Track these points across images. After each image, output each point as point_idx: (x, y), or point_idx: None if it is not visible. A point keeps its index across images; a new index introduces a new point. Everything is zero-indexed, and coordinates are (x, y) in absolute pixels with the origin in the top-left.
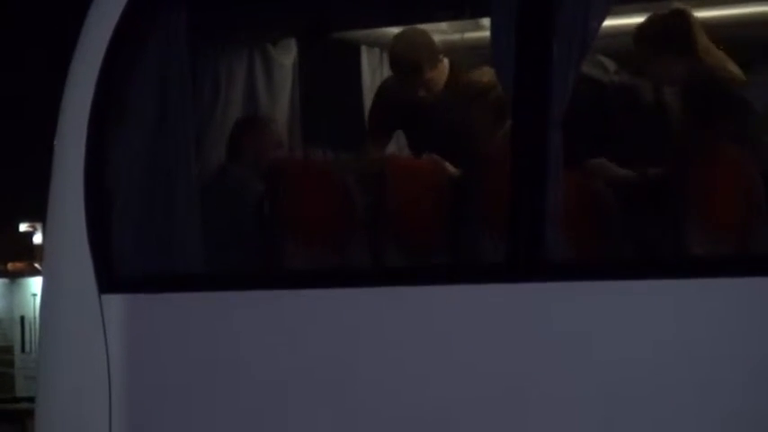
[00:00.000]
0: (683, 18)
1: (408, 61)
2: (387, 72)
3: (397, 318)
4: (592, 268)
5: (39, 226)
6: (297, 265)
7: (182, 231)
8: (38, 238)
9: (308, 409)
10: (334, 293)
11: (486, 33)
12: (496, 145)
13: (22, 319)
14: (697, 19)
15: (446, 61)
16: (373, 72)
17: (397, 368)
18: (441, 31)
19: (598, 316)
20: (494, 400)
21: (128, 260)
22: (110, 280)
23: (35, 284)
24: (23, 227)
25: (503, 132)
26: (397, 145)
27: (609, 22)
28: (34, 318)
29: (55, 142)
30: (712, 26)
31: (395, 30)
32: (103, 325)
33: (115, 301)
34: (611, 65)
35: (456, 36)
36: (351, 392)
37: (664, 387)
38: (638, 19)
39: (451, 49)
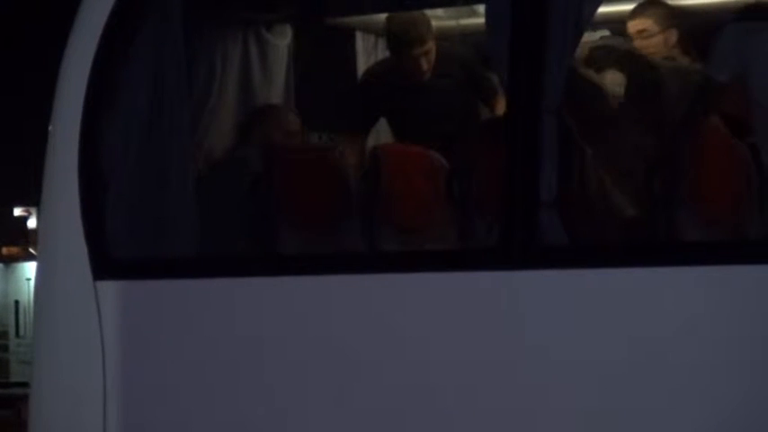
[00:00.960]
0: None
1: (412, 30)
2: (381, 57)
3: (393, 304)
4: (588, 255)
5: (33, 210)
6: (293, 251)
7: (177, 217)
8: (32, 223)
9: (307, 396)
10: (330, 280)
11: (481, 20)
12: (491, 129)
13: (17, 303)
14: None
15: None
16: (368, 57)
17: (393, 354)
18: (436, 18)
19: (594, 303)
20: (488, 388)
21: (122, 246)
22: (104, 266)
23: (30, 269)
24: (18, 211)
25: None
26: (388, 129)
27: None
28: (28, 302)
29: (50, 126)
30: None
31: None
32: (98, 311)
33: (110, 288)
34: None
35: (451, 22)
36: (348, 378)
37: (662, 375)
38: (629, 6)
39: (447, 36)
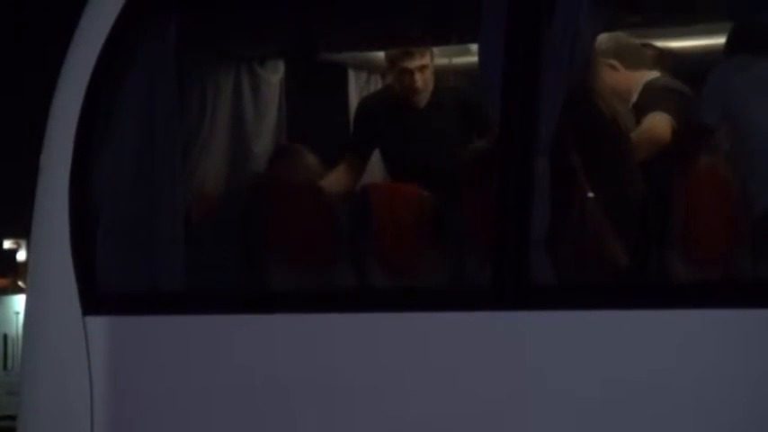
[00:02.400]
0: None
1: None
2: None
3: (383, 343)
4: (580, 296)
5: (23, 243)
6: (284, 289)
7: (167, 252)
8: (21, 256)
9: None
10: (320, 318)
11: (474, 59)
12: (482, 166)
13: (5, 336)
14: None
15: None
16: (360, 93)
17: (382, 394)
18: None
19: (586, 344)
20: (479, 428)
21: (112, 281)
22: (93, 301)
23: (18, 302)
24: (7, 244)
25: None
26: (379, 164)
27: None
28: (17, 335)
29: (41, 159)
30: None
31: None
32: (87, 347)
33: (98, 323)
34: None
35: (444, 61)
36: (337, 416)
37: (654, 416)
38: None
39: (439, 74)
